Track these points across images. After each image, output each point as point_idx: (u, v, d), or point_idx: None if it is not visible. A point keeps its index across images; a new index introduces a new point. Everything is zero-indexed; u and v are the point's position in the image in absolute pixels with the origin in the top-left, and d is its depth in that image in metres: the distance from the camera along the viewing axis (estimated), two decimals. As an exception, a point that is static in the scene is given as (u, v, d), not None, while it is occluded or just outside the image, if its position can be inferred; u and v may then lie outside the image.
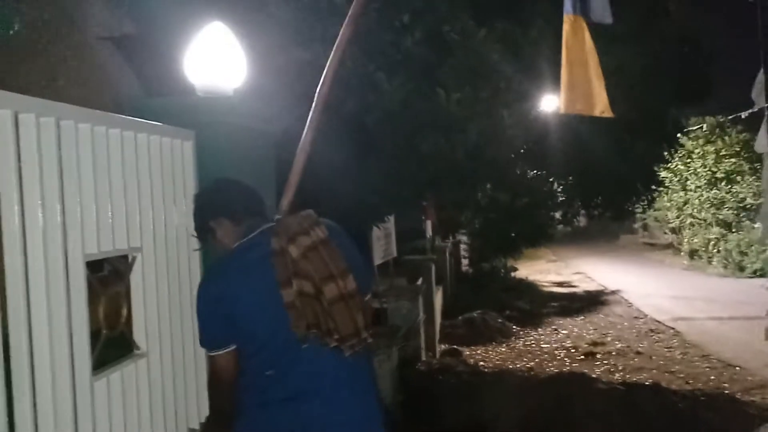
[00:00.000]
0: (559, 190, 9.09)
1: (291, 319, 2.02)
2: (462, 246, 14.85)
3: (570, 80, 2.84)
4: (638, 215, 17.22)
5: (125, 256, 2.17)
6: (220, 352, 2.12)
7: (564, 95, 2.93)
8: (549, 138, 6.97)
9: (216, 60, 2.75)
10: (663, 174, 11.99)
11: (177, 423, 2.36)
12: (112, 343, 2.04)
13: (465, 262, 15.41)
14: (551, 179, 8.88)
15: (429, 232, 10.59)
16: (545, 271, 18.15)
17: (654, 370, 8.38)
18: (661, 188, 10.68)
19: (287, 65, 4.72)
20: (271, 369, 2.05)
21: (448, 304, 11.26)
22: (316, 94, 2.73)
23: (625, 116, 5.91)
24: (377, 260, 8.17)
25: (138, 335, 2.18)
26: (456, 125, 5.84)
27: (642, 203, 8.48)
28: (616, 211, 8.38)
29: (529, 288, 14.50)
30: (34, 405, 1.67)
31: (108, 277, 2.09)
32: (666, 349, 9.41)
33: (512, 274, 15.18)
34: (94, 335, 1.92)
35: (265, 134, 3.11)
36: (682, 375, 8.14)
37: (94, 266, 1.97)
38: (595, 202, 8.21)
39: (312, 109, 2.72)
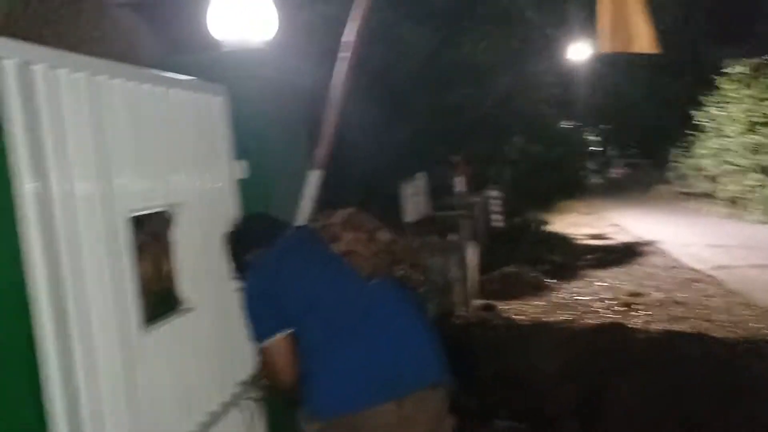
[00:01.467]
0: (593, 139, 8.92)
1: (353, 263, 2.07)
2: (493, 201, 14.73)
3: (609, 17, 2.74)
4: (673, 164, 16.82)
5: (164, 215, 2.18)
6: (271, 340, 2.11)
7: (602, 33, 2.83)
8: (581, 85, 6.82)
9: (246, 12, 2.71)
10: (700, 118, 11.67)
11: (223, 376, 2.40)
12: (159, 299, 2.06)
13: (496, 217, 15.29)
14: (584, 128, 8.71)
15: (460, 188, 10.51)
16: (579, 224, 17.89)
17: (694, 320, 8.29)
18: (698, 132, 10.39)
19: (314, 20, 4.67)
20: (338, 320, 2.06)
21: (482, 259, 11.21)
22: (342, 44, 2.70)
23: (660, 59, 5.74)
24: (410, 218, 8.16)
25: (183, 290, 2.20)
26: (485, 75, 5.75)
27: (679, 149, 8.30)
28: (651, 159, 8.22)
29: (562, 241, 14.34)
30: (88, 360, 1.70)
31: (151, 234, 2.10)
32: (706, 298, 9.29)
33: (545, 227, 15.02)
34: (142, 291, 1.94)
35: (298, 87, 3.08)
36: (723, 323, 8.03)
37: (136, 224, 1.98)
38: (631, 150, 8.05)
39: (339, 60, 2.69)
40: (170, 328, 2.07)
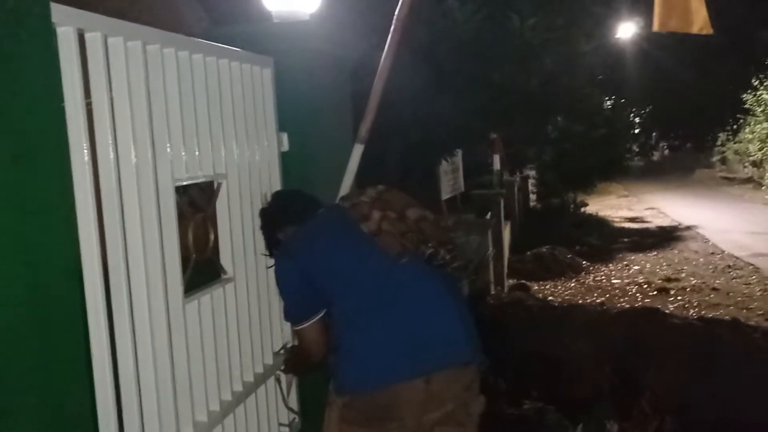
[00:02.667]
0: (637, 120, 8.73)
1: (382, 242, 2.06)
2: (530, 180, 14.59)
3: (665, -5, 2.66)
4: (717, 148, 16.40)
5: (205, 186, 2.19)
6: (308, 323, 2.15)
7: (658, 11, 2.75)
8: (627, 65, 6.66)
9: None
10: (748, 102, 11.31)
11: (263, 345, 2.43)
12: (200, 268, 2.08)
13: (533, 197, 15.16)
14: (628, 109, 8.52)
15: (497, 167, 10.42)
16: (616, 206, 17.66)
17: (731, 307, 8.15)
18: (746, 116, 10.08)
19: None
20: (369, 296, 2.06)
21: (517, 239, 11.16)
22: (395, 18, 2.66)
23: (710, 39, 5.57)
24: (445, 195, 8.12)
25: (225, 260, 2.22)
26: (530, 53, 5.63)
27: (725, 132, 8.07)
28: (696, 142, 8.01)
29: (599, 223, 14.18)
30: (132, 325, 1.73)
31: (195, 204, 2.12)
32: (744, 286, 9.12)
33: (582, 209, 14.85)
34: (184, 260, 1.97)
35: (342, 60, 3.05)
36: (761, 312, 7.88)
37: (181, 194, 2.00)
38: (675, 133, 7.86)
39: (390, 33, 2.65)
40: (210, 297, 2.10)
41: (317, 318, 2.15)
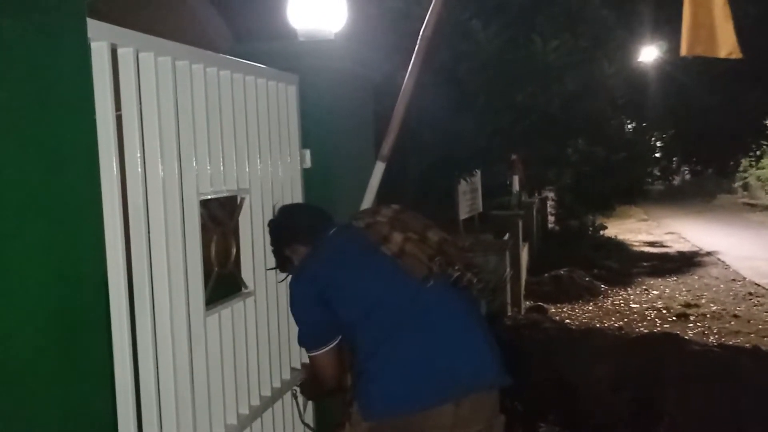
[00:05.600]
0: (658, 144, 8.68)
1: (406, 265, 2.03)
2: (549, 202, 14.54)
3: (693, 20, 2.66)
4: (739, 174, 16.24)
5: (228, 200, 2.21)
6: (322, 350, 2.12)
7: (686, 35, 2.74)
8: (649, 89, 6.64)
9: (319, 2, 2.73)
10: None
11: (281, 361, 2.43)
12: (222, 282, 2.10)
13: (551, 219, 15.10)
14: (650, 133, 8.48)
15: (516, 188, 10.40)
16: (636, 230, 17.52)
17: (752, 335, 8.04)
18: (768, 142, 10.03)
19: (382, 14, 4.66)
20: (393, 321, 2.03)
21: (535, 260, 11.09)
22: (420, 38, 2.68)
23: (735, 65, 5.54)
24: (463, 215, 8.11)
25: (246, 274, 2.24)
26: (552, 75, 5.64)
27: (749, 158, 7.99)
28: (719, 167, 7.94)
29: (618, 247, 14.06)
30: (155, 336, 1.75)
31: (217, 218, 2.14)
32: (765, 314, 8.98)
33: (601, 232, 14.75)
34: (206, 273, 1.98)
35: (365, 79, 3.09)
36: (782, 341, 7.76)
37: (205, 208, 2.02)
38: (697, 157, 7.79)
39: (415, 53, 2.67)
40: (231, 311, 2.11)
41: (332, 345, 2.12)
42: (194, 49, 1.91)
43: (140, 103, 1.71)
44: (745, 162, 8.49)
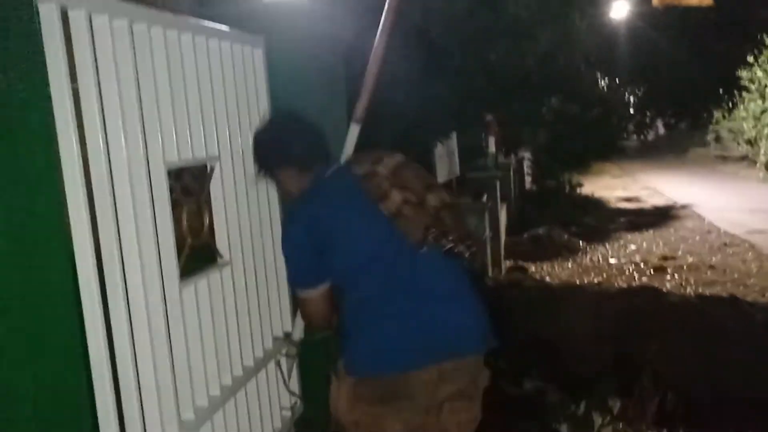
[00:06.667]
0: (632, 99, 8.67)
1: (401, 227, 1.98)
2: (525, 163, 14.56)
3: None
4: (711, 126, 16.37)
5: (198, 171, 2.15)
6: (312, 292, 2.09)
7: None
8: (621, 44, 6.60)
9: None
10: (744, 79, 11.24)
11: (262, 330, 2.40)
12: (196, 253, 2.05)
13: (528, 179, 15.14)
14: (624, 88, 8.46)
15: (492, 149, 10.37)
16: (611, 186, 17.64)
17: (728, 284, 8.17)
18: (741, 94, 10.02)
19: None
20: (384, 281, 2.02)
21: (513, 221, 11.14)
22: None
23: (706, 17, 5.52)
24: (441, 178, 8.07)
25: (221, 244, 2.19)
26: (525, 32, 5.58)
27: (721, 110, 8.03)
28: (692, 119, 7.96)
29: (595, 204, 14.18)
30: (128, 311, 1.70)
31: (189, 188, 2.08)
32: (741, 263, 9.12)
33: (578, 190, 14.84)
34: (180, 246, 1.93)
35: (335, 40, 3.01)
36: (757, 288, 7.89)
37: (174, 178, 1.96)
38: (671, 111, 7.81)
39: (386, 9, 2.60)
40: (207, 281, 2.06)
41: (323, 287, 2.08)
42: (153, 12, 1.82)
43: (97, 72, 1.63)
44: (718, 114, 8.52)
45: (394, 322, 2.00)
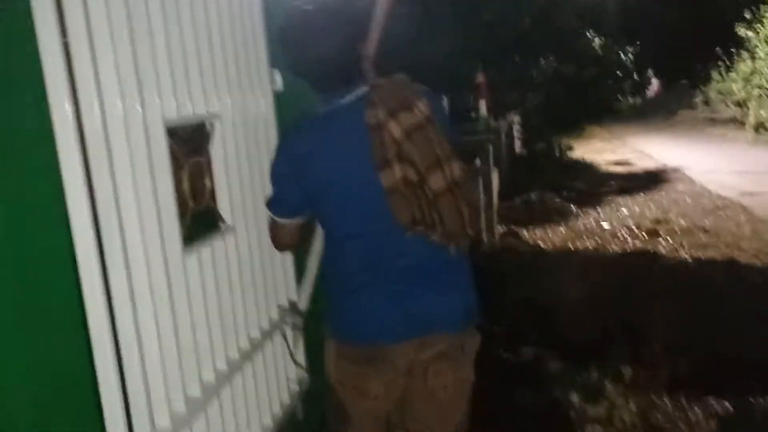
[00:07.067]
0: (629, 57, 8.52)
1: (392, 205, 1.81)
2: (515, 126, 14.42)
3: None
4: (700, 89, 16.28)
5: (202, 128, 2.00)
6: (285, 221, 1.98)
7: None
8: (619, 3, 6.43)
9: None
10: (742, 33, 11.05)
11: (267, 299, 2.28)
12: (198, 218, 1.91)
13: (518, 142, 15.02)
14: (619, 47, 8.31)
15: (483, 112, 10.21)
16: (601, 150, 17.54)
17: (722, 247, 8.13)
18: (733, 54, 9.88)
19: None
20: (368, 254, 1.90)
21: (504, 185, 11.04)
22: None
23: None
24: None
25: (224, 209, 2.05)
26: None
27: (718, 67, 7.90)
28: (691, 77, 7.84)
29: (585, 167, 14.10)
30: (130, 281, 1.57)
31: (189, 149, 1.94)
32: (734, 225, 9.09)
33: (568, 153, 14.75)
34: (181, 210, 1.80)
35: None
36: (752, 251, 7.86)
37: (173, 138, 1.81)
38: (668, 69, 7.67)
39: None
40: (212, 250, 1.93)
41: (296, 220, 1.99)
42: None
43: (89, 24, 1.48)
44: (716, 72, 8.40)
45: (375, 298, 1.91)
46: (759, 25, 16.70)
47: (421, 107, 1.81)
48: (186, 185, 1.84)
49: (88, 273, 1.44)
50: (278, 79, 2.39)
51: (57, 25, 1.37)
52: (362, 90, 1.89)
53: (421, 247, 1.87)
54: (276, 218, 2.00)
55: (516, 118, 14.31)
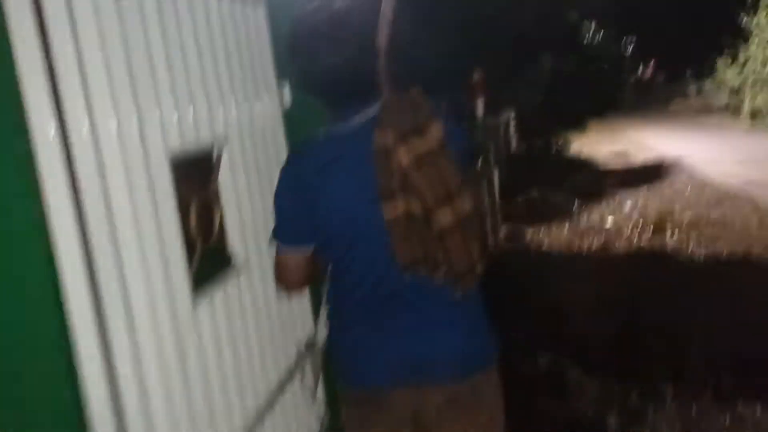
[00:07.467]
0: (630, 49, 8.31)
1: (392, 241, 1.62)
2: (512, 123, 14.22)
3: None
4: (697, 78, 16.15)
5: (208, 156, 1.77)
6: (291, 249, 1.71)
7: None
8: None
9: None
10: (751, 22, 10.85)
11: (285, 339, 2.06)
12: (208, 257, 1.69)
13: (514, 139, 14.82)
14: (621, 40, 8.10)
15: (481, 111, 9.99)
16: (598, 143, 17.37)
17: (730, 239, 7.95)
18: (748, 39, 9.70)
19: None
20: (366, 290, 1.70)
21: (504, 183, 10.84)
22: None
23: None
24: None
25: (235, 244, 1.83)
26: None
27: (724, 57, 7.72)
28: (696, 67, 7.65)
29: (584, 162, 13.92)
30: (134, 345, 1.35)
31: (195, 179, 1.71)
32: (741, 216, 8.92)
33: (566, 149, 14.57)
34: (189, 251, 1.57)
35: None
36: (761, 241, 7.69)
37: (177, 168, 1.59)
38: (674, 60, 7.49)
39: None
40: (225, 292, 1.71)
41: (305, 249, 1.72)
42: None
43: (77, 40, 1.26)
44: (721, 61, 8.23)
45: (368, 338, 1.73)
46: (754, 12, 16.57)
47: (435, 132, 1.62)
48: (194, 223, 1.61)
49: (83, 335, 1.22)
50: (287, 94, 2.17)
51: (38, 41, 1.15)
52: (373, 109, 1.68)
53: (423, 285, 1.68)
54: (280, 250, 1.75)
55: (512, 115, 14.12)
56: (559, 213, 9.79)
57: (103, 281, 1.29)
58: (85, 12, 1.27)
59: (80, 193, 1.26)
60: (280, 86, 2.16)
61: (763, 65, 17.40)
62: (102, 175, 1.31)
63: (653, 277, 6.36)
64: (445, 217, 1.61)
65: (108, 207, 1.32)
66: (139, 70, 1.42)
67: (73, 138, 1.25)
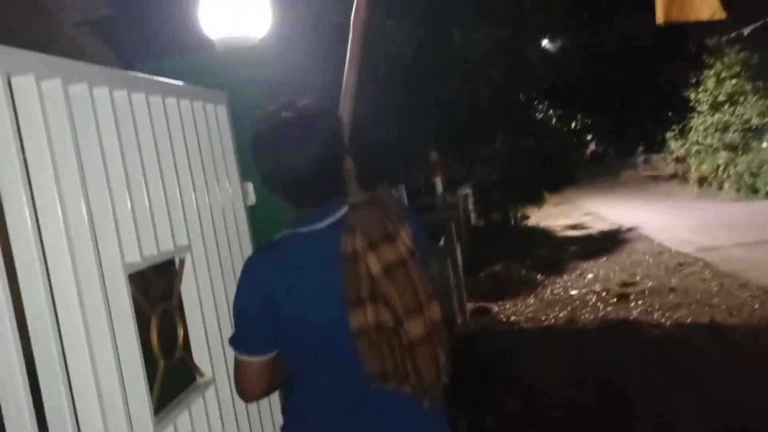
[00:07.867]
0: (585, 125, 8.58)
1: (360, 352, 1.55)
2: (469, 199, 14.41)
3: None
4: (643, 150, 16.82)
5: (168, 265, 1.66)
6: (253, 359, 1.62)
7: (660, 2, 2.45)
8: (574, 75, 6.46)
9: (239, 8, 2.24)
10: (693, 97, 11.38)
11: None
12: (170, 375, 1.55)
13: (473, 215, 14.99)
14: (577, 118, 8.37)
15: (440, 189, 10.09)
16: (554, 215, 17.72)
17: (693, 306, 8.01)
18: (693, 113, 10.13)
19: (303, 21, 4.19)
20: (330, 398, 1.62)
21: (467, 259, 10.85)
22: (351, 23, 2.33)
23: (651, 42, 5.41)
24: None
25: (199, 357, 1.69)
26: (476, 68, 5.33)
27: (672, 131, 8.02)
28: (647, 143, 7.91)
29: (543, 234, 14.11)
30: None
31: (154, 292, 1.59)
32: (700, 282, 9.04)
33: (524, 222, 14.78)
34: (150, 372, 1.44)
35: (299, 88, 2.59)
36: (723, 307, 7.76)
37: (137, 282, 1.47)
38: (626, 137, 7.74)
39: (350, 42, 2.31)
40: (188, 412, 1.56)
41: (264, 358, 1.62)
42: (95, 68, 1.36)
43: (22, 145, 1.16)
44: (669, 136, 8.54)
45: None
46: (696, 87, 17.50)
47: (404, 238, 1.58)
48: (154, 340, 1.48)
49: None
50: (251, 191, 2.09)
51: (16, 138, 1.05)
52: (340, 211, 1.63)
53: (390, 395, 1.60)
54: (241, 357, 1.63)
55: (468, 192, 14.31)
56: (524, 287, 9.79)
57: (50, 417, 1.15)
58: (30, 112, 1.18)
59: (27, 316, 1.14)
60: (244, 184, 2.08)
61: (704, 136, 18.22)
62: (50, 299, 1.18)
63: (624, 348, 6.34)
64: (416, 328, 1.55)
65: (57, 331, 1.19)
66: (93, 174, 1.32)
67: (17, 251, 1.14)
